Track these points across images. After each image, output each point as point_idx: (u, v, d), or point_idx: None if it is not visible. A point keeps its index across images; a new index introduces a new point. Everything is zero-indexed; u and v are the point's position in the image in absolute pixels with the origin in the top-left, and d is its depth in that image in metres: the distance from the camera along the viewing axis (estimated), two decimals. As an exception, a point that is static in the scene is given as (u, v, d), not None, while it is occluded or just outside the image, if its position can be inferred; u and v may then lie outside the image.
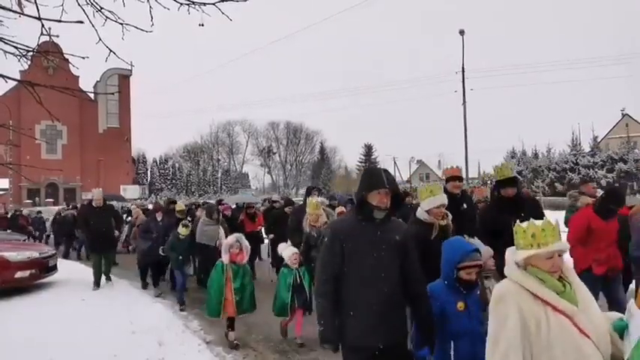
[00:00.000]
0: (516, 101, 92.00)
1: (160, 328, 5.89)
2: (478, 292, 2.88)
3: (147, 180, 67.31)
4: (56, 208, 24.26)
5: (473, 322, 2.75)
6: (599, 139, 43.07)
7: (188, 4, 2.86)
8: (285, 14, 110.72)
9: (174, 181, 69.00)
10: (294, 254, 5.24)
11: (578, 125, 60.33)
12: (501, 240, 3.18)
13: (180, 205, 9.57)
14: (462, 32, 25.42)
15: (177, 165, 72.20)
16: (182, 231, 7.52)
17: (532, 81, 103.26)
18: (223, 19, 3.01)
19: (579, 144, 41.99)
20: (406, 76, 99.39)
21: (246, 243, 5.42)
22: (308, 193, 7.11)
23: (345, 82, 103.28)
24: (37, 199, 45.45)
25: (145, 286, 8.97)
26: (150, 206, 18.25)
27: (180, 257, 7.44)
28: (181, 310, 7.06)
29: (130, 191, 50.21)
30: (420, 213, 3.67)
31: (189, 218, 9.11)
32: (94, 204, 8.85)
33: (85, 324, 6.13)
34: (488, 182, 39.55)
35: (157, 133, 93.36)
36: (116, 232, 9.69)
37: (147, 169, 69.65)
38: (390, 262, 2.72)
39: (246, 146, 74.25)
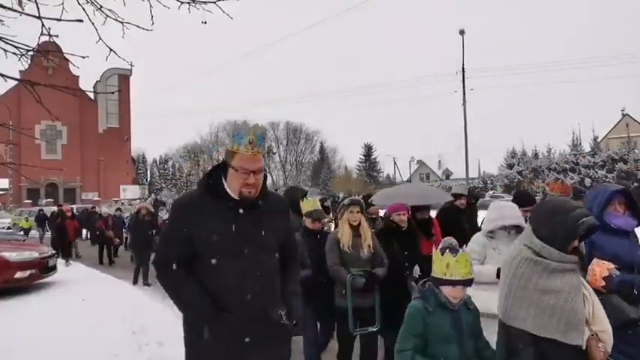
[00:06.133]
0: (517, 101, 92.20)
1: (160, 328, 5.87)
2: None
3: (147, 180, 67.36)
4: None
5: None
6: (599, 139, 43.10)
7: (189, 3, 2.85)
8: (286, 14, 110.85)
9: (174, 181, 68.97)
10: None
11: (578, 125, 60.57)
12: None
13: (314, 201, 4.27)
14: (462, 32, 25.43)
15: (177, 165, 72.20)
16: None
17: (532, 81, 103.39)
18: (223, 19, 3.01)
19: (579, 144, 42.09)
20: (406, 76, 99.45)
21: None
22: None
23: (345, 83, 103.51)
24: (41, 201, 45.39)
25: None
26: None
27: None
28: None
29: (130, 191, 50.21)
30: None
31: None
32: (231, 191, 2.10)
33: (85, 324, 6.12)
34: (488, 182, 39.63)
35: (157, 133, 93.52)
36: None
37: (147, 169, 69.70)
38: None
39: (247, 146, 74.18)
